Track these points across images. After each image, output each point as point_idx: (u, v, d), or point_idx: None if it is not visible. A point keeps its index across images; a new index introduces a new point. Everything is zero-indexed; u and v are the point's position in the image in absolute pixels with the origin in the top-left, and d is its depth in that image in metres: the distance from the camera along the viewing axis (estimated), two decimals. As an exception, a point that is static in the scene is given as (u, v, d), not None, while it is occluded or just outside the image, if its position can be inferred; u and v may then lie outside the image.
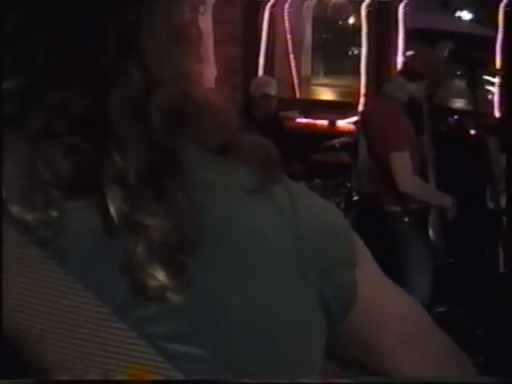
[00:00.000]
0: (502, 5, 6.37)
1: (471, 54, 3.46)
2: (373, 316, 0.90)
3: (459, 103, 7.31)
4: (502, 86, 6.33)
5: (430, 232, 4.26)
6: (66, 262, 0.64)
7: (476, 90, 3.05)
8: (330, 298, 0.81)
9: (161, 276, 0.64)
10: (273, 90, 5.29)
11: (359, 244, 0.89)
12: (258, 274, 0.74)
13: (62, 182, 0.65)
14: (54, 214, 0.64)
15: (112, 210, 0.65)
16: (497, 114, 6.09)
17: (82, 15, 0.67)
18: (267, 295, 0.75)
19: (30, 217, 0.64)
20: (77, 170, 0.65)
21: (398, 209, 4.19)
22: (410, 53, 5.07)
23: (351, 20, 8.75)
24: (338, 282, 0.82)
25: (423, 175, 4.29)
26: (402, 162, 4.03)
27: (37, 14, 0.67)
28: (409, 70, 4.28)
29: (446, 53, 3.68)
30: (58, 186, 0.65)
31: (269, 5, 7.22)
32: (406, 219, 4.20)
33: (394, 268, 4.17)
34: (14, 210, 0.64)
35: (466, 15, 20.76)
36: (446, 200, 4.20)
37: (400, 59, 6.65)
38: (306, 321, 0.80)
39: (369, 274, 0.90)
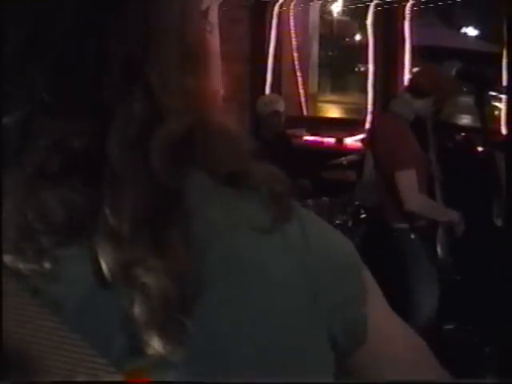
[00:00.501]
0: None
1: (479, 72, 3.47)
2: (380, 352, 0.89)
3: (466, 119, 7.31)
4: (509, 103, 6.33)
5: (438, 249, 4.25)
6: (60, 311, 0.62)
7: (484, 108, 3.06)
8: (340, 334, 0.80)
9: (157, 344, 0.61)
10: (281, 107, 5.30)
11: (368, 277, 0.87)
12: (268, 313, 0.72)
13: (54, 229, 0.62)
14: (47, 263, 0.62)
15: (103, 266, 0.61)
16: (503, 130, 6.08)
17: (84, 40, 0.64)
18: (278, 334, 0.72)
19: (22, 266, 0.62)
20: (70, 217, 0.62)
21: (404, 226, 4.18)
22: (415, 69, 5.05)
23: (357, 37, 8.78)
24: (349, 319, 0.81)
25: (430, 192, 4.28)
26: (407, 181, 4.01)
27: (36, 42, 0.63)
28: (415, 86, 4.26)
29: (453, 72, 3.69)
30: (50, 234, 0.62)
31: (275, 22, 7.24)
32: (413, 236, 4.19)
33: (401, 285, 4.19)
34: (7, 259, 0.61)
35: (471, 31, 20.83)
36: (454, 216, 4.19)
37: (407, 76, 6.65)
38: (316, 356, 0.78)
39: (377, 308, 0.88)
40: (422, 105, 4.18)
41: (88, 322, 0.63)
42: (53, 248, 0.62)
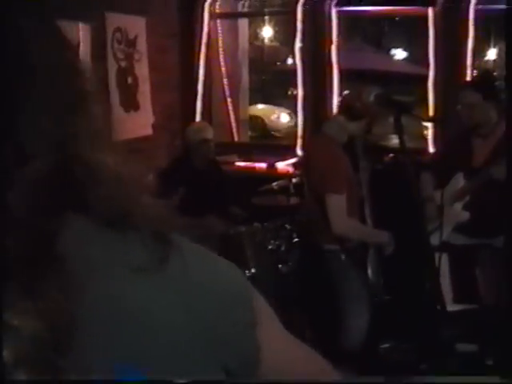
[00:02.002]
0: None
1: (396, 99, 3.53)
2: (279, 375, 0.89)
3: (396, 140, 7.41)
4: (435, 123, 6.46)
5: (369, 270, 4.29)
6: None
7: (402, 132, 3.10)
8: (232, 362, 0.80)
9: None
10: (210, 135, 5.29)
11: (259, 303, 0.88)
12: (149, 352, 0.71)
13: None
14: None
15: None
16: (431, 149, 6.18)
17: None
18: (160, 372, 0.71)
19: None
20: None
21: (335, 247, 4.21)
22: (346, 92, 5.10)
23: (290, 61, 8.82)
24: (240, 348, 0.81)
25: (362, 214, 4.33)
26: (337, 205, 4.05)
27: None
28: (348, 109, 4.29)
29: (372, 97, 3.73)
30: None
31: (203, 50, 7.26)
32: (343, 257, 4.22)
33: (333, 307, 4.22)
34: None
35: (400, 53, 21.32)
36: (383, 237, 4.24)
37: (335, 100, 6.73)
38: None
39: (271, 333, 0.89)
40: (355, 127, 4.22)
41: None
42: None
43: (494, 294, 3.68)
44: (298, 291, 4.84)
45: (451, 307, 3.45)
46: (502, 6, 6.51)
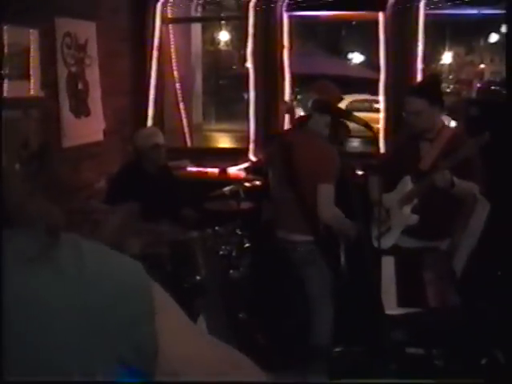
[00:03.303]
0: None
1: (333, 105, 3.55)
2: (176, 364, 0.91)
3: (355, 143, 7.48)
4: (385, 125, 6.51)
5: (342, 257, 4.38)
6: None
7: (338, 137, 3.12)
8: (128, 352, 0.83)
9: None
10: (160, 140, 5.25)
11: (160, 295, 0.91)
12: (45, 337, 0.74)
13: None
14: None
15: None
16: (382, 151, 6.22)
17: None
18: (58, 360, 0.75)
19: None
20: None
21: (309, 238, 4.27)
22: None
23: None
24: (136, 337, 0.84)
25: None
26: (328, 194, 4.22)
27: None
28: (320, 103, 4.30)
29: (309, 104, 3.75)
30: None
31: (155, 55, 7.23)
32: (315, 248, 4.28)
33: (299, 304, 4.25)
34: None
35: (357, 58, 21.49)
36: (354, 228, 4.28)
37: (288, 103, 6.75)
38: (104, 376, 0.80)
39: (172, 324, 0.92)
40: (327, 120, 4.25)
41: None
42: None
43: (439, 298, 3.71)
44: (249, 296, 4.85)
45: (396, 311, 3.48)
46: (457, 11, 6.63)
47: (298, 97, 6.72)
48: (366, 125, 3.50)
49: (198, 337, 1.01)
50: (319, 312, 4.39)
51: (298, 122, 4.74)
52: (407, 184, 4.44)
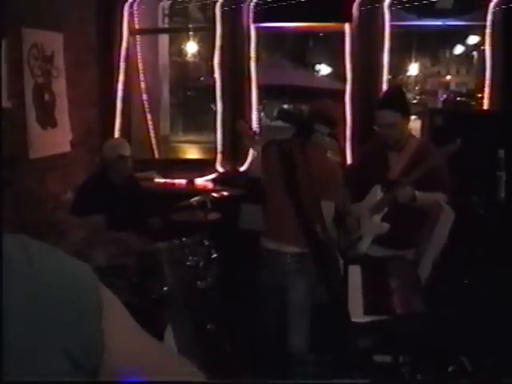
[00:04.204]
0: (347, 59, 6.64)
1: (297, 114, 3.58)
2: (122, 361, 0.93)
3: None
4: (352, 136, 6.56)
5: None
6: None
7: (305, 145, 3.13)
8: (77, 349, 0.84)
9: None
10: (127, 151, 5.24)
11: (107, 296, 0.93)
12: (4, 338, 0.76)
13: None
14: None
15: None
16: (348, 162, 6.25)
17: None
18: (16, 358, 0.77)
19: None
20: None
21: (301, 250, 4.25)
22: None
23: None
24: (84, 334, 0.86)
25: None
26: (330, 211, 4.11)
27: None
28: (323, 116, 4.29)
29: (275, 112, 3.78)
30: None
31: (122, 66, 7.22)
32: (304, 259, 4.27)
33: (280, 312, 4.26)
34: None
35: (325, 69, 21.61)
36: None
37: (254, 115, 6.78)
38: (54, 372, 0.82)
39: (118, 323, 0.94)
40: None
41: None
42: None
43: (405, 305, 3.74)
44: (216, 306, 4.84)
45: (361, 319, 3.50)
46: (423, 22, 6.71)
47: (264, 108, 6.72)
48: (330, 134, 3.52)
49: (144, 335, 1.03)
50: (299, 322, 4.38)
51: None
52: (377, 193, 4.47)
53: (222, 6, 6.88)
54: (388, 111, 4.42)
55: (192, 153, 8.13)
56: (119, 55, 7.24)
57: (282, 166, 4.32)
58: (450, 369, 4.10)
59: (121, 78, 7.23)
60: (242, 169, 6.77)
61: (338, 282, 3.33)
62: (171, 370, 1.03)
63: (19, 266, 0.81)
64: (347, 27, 6.62)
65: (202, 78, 12.66)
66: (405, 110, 4.46)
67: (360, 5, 6.49)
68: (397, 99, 4.56)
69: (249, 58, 6.88)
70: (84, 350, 0.85)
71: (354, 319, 3.38)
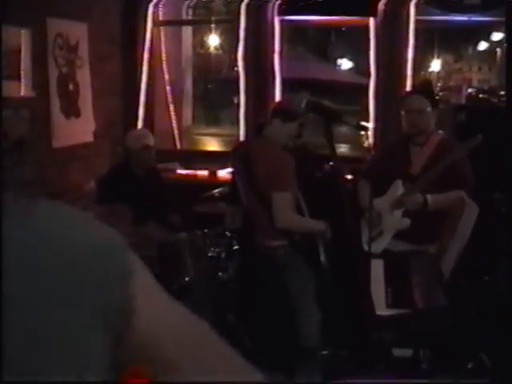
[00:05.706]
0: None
1: (326, 106, 3.57)
2: (153, 328, 0.95)
3: (343, 149, 7.48)
4: (375, 133, 6.54)
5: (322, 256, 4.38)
6: None
7: (332, 140, 3.12)
8: (107, 311, 0.86)
9: None
10: (151, 142, 5.25)
11: (137, 264, 0.95)
12: (29, 299, 0.79)
13: None
14: None
15: None
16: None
17: None
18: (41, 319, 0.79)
19: None
20: None
21: (282, 242, 4.28)
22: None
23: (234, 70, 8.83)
24: (113, 296, 0.88)
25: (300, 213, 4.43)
26: (282, 202, 4.23)
27: None
28: (280, 111, 4.40)
29: (303, 104, 3.76)
30: None
31: (146, 57, 7.23)
32: (291, 251, 4.30)
33: (283, 308, 4.26)
34: None
35: (346, 64, 21.51)
36: (320, 225, 4.35)
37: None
38: (80, 333, 0.84)
39: (145, 287, 0.96)
40: (289, 129, 4.32)
41: None
42: None
43: (426, 299, 3.73)
44: (237, 298, 4.85)
45: (385, 311, 3.49)
46: (446, 18, 6.66)
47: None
48: (358, 125, 3.53)
49: (175, 304, 1.04)
50: (305, 314, 4.39)
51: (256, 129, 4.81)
52: (398, 188, 4.46)
53: (249, -1, 6.87)
54: (418, 96, 4.46)
55: (213, 145, 8.12)
56: (143, 46, 7.25)
57: (243, 164, 4.43)
58: (469, 365, 4.09)
59: (144, 68, 7.24)
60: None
61: (360, 275, 3.32)
62: (211, 351, 1.03)
63: (45, 221, 0.84)
64: (372, 22, 6.59)
65: (224, 71, 12.64)
66: (433, 100, 4.48)
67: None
68: (427, 88, 4.58)
69: (272, 52, 6.87)
70: (115, 312, 0.87)
71: (378, 312, 3.38)
